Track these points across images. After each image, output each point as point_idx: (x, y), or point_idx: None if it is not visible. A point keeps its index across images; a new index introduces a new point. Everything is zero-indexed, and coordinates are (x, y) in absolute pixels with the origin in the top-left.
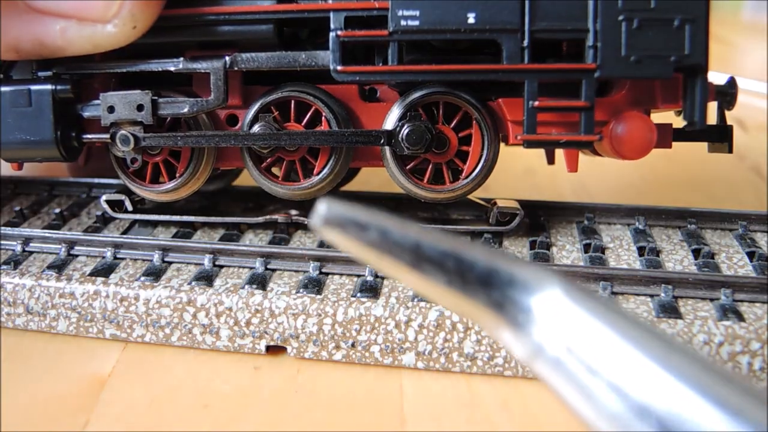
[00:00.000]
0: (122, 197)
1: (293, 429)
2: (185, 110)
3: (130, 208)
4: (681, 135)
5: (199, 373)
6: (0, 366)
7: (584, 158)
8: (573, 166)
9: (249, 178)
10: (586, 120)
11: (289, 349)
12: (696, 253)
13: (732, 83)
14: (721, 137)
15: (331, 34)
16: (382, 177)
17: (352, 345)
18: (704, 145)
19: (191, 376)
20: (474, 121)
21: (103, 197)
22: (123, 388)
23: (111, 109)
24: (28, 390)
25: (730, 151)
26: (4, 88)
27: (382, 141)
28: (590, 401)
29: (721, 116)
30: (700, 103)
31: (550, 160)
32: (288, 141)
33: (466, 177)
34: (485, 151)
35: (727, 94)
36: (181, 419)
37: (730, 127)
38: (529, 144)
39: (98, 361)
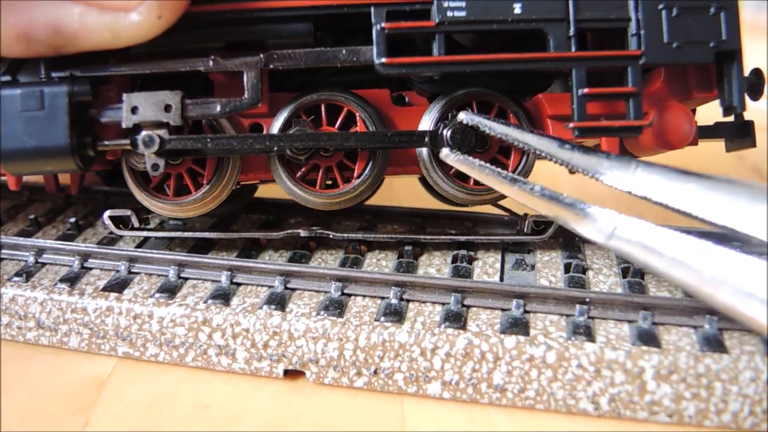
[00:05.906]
0: (127, 212)
1: (293, 429)
2: (217, 111)
3: (136, 224)
4: (705, 132)
5: (198, 373)
6: (0, 366)
7: None
8: None
9: (266, 189)
10: (635, 106)
11: (308, 374)
12: None
13: (757, 73)
14: (743, 132)
15: (375, 27)
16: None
17: (375, 372)
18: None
19: (191, 377)
20: (512, 116)
21: (106, 213)
22: (123, 388)
23: (134, 110)
24: (28, 390)
25: (754, 144)
26: (11, 91)
27: (426, 141)
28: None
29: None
30: (738, 88)
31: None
32: (328, 142)
33: (512, 172)
34: None
35: (754, 84)
36: (181, 419)
37: (751, 122)
38: (582, 131)
39: (98, 362)
